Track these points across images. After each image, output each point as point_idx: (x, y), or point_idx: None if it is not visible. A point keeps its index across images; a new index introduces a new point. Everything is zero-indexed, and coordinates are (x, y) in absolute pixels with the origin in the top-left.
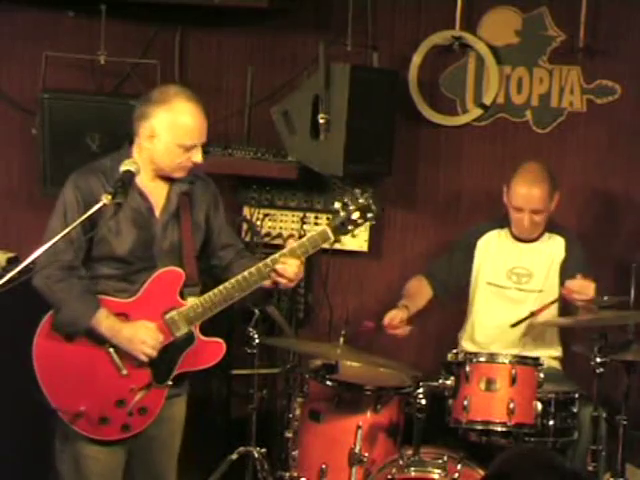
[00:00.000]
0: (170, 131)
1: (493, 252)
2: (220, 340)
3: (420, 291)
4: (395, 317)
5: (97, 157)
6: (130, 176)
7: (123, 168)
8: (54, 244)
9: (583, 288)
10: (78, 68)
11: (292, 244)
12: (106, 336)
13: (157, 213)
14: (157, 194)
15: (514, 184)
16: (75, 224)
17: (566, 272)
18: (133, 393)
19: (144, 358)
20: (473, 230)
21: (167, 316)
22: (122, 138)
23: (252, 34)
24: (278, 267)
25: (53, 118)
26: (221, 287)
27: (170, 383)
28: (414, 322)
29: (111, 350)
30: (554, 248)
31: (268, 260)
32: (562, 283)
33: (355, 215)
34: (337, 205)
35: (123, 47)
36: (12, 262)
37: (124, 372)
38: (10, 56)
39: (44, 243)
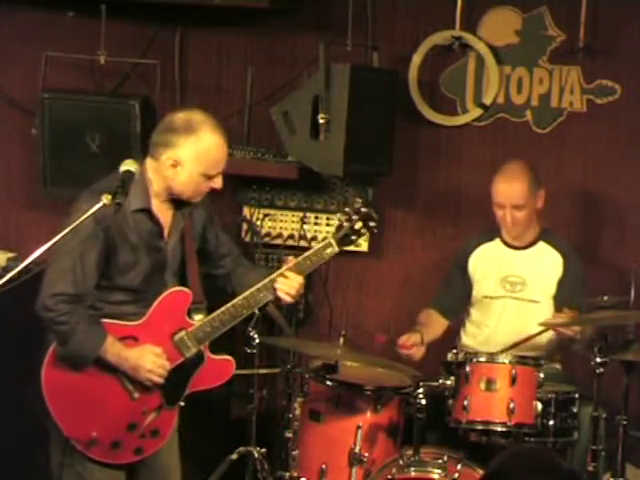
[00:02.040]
0: (196, 162)
1: (485, 265)
2: (229, 358)
3: (432, 322)
4: (409, 339)
5: (97, 157)
6: (130, 176)
7: (123, 168)
8: (63, 271)
9: (568, 328)
10: (78, 68)
11: (297, 259)
12: (113, 364)
13: (166, 237)
14: (165, 217)
15: (495, 182)
16: (75, 224)
17: (562, 293)
18: (145, 416)
19: (150, 384)
20: (462, 248)
21: (176, 337)
22: (122, 138)
23: (252, 34)
24: (278, 286)
25: (53, 118)
26: (229, 305)
27: (181, 404)
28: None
29: (122, 376)
30: (551, 263)
31: (274, 275)
32: (558, 301)
33: (358, 225)
34: (340, 217)
35: (123, 47)
36: (12, 262)
37: (135, 396)
38: (10, 56)
39: (54, 266)
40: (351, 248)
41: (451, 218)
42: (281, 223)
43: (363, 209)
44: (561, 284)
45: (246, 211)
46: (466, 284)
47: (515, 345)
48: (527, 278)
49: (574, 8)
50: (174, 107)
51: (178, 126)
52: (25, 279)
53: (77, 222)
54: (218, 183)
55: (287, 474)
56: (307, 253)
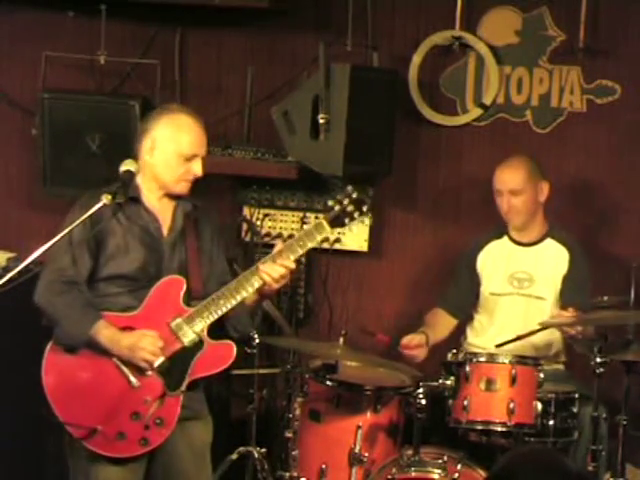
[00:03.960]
0: (171, 140)
1: (493, 262)
2: (229, 342)
3: (439, 322)
4: (412, 340)
5: (97, 157)
6: (130, 176)
7: (123, 168)
8: (56, 259)
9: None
10: (78, 68)
11: (287, 241)
12: (106, 347)
13: (165, 232)
14: (164, 214)
15: (495, 171)
16: (75, 224)
17: (567, 288)
18: (148, 405)
19: (146, 366)
20: (471, 247)
21: (173, 324)
22: (122, 138)
23: (252, 34)
24: (261, 267)
25: (53, 118)
26: (223, 288)
27: (183, 390)
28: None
29: (118, 362)
30: (557, 258)
31: (266, 258)
32: (562, 298)
33: (350, 208)
34: (331, 202)
35: (123, 47)
36: (12, 262)
37: (135, 383)
38: (10, 56)
39: (47, 260)
40: (351, 248)
41: (451, 218)
42: (281, 223)
43: (354, 194)
44: (566, 280)
45: (246, 211)
46: (474, 282)
47: (515, 340)
48: (534, 275)
49: (574, 8)
50: None
51: (155, 112)
52: (25, 279)
53: (78, 222)
54: (197, 168)
55: (287, 474)
56: (298, 235)
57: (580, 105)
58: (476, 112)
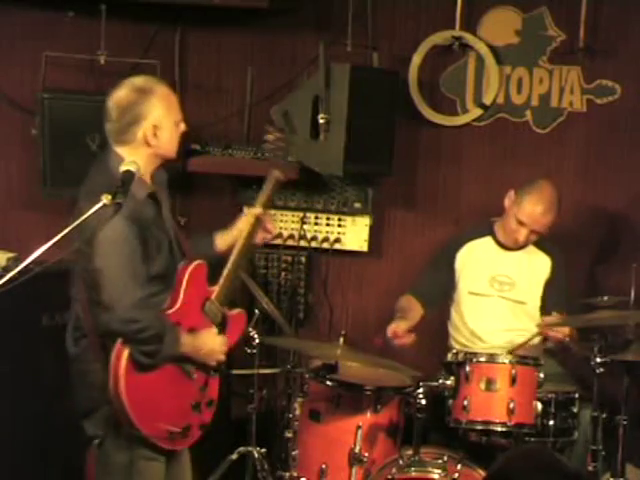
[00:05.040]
0: (168, 114)
1: (475, 262)
2: (241, 310)
3: (411, 307)
4: (398, 327)
5: (97, 157)
6: (130, 176)
7: (123, 168)
8: (129, 284)
9: (559, 329)
10: (78, 68)
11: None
12: (189, 355)
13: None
14: (160, 197)
15: (528, 200)
16: (73, 225)
17: (550, 295)
18: (202, 392)
19: (215, 364)
20: (452, 242)
21: (206, 308)
22: None
23: (252, 34)
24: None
25: (53, 118)
26: (230, 261)
27: (223, 369)
28: (416, 331)
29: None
30: (539, 264)
31: (249, 218)
32: (545, 303)
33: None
34: None
35: (123, 47)
36: (12, 262)
37: (194, 376)
38: (10, 56)
39: (111, 280)
40: (351, 248)
41: (451, 218)
42: (281, 223)
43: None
44: (548, 286)
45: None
46: (449, 276)
47: (518, 347)
48: (516, 279)
49: (574, 8)
50: None
51: (133, 100)
52: (25, 279)
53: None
54: (184, 126)
55: (287, 474)
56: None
57: (580, 105)
58: (476, 112)
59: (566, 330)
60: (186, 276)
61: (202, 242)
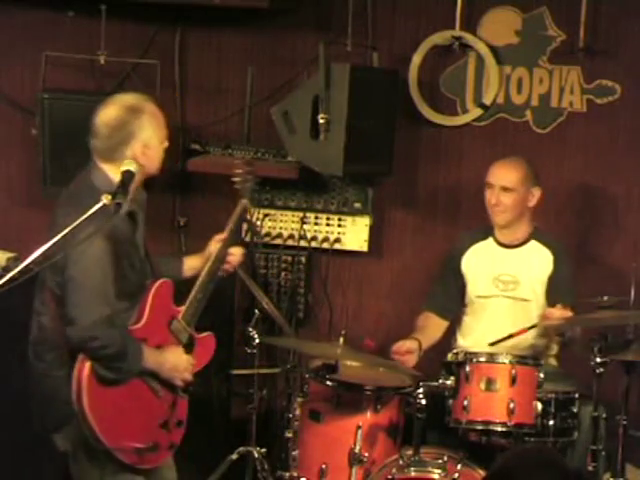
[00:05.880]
0: (155, 133)
1: (478, 265)
2: (209, 333)
3: (430, 325)
4: (402, 346)
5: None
6: (130, 176)
7: (123, 168)
8: (97, 286)
9: (561, 319)
10: (78, 68)
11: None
12: (153, 370)
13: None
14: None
15: (491, 165)
16: (73, 225)
17: (552, 290)
18: (170, 411)
19: (181, 384)
20: (454, 250)
21: (172, 327)
22: None
23: (252, 34)
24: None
25: (53, 118)
26: (197, 285)
27: (191, 390)
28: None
29: (147, 377)
30: (541, 260)
31: (219, 246)
32: (547, 299)
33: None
34: None
35: (123, 47)
36: (12, 262)
37: (161, 394)
38: (10, 56)
39: (79, 292)
40: (351, 248)
41: (451, 218)
42: (281, 223)
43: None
44: (551, 280)
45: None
46: (459, 283)
47: (507, 338)
48: (519, 277)
49: (574, 8)
50: (174, 107)
51: (123, 119)
52: (25, 279)
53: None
54: (167, 143)
55: (287, 474)
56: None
57: (580, 105)
58: (476, 112)
59: (557, 314)
60: (152, 292)
61: (171, 265)
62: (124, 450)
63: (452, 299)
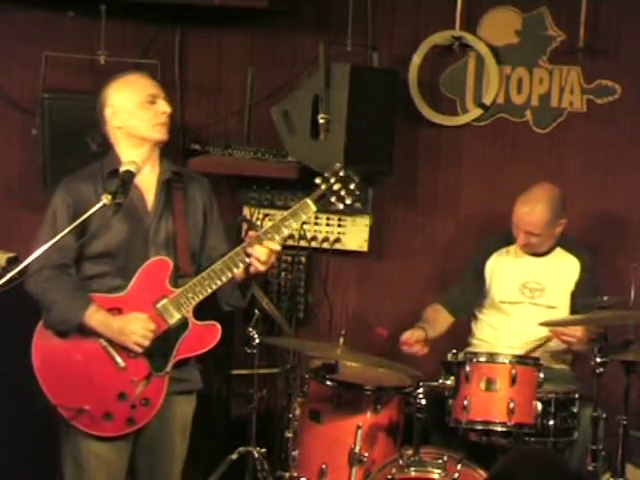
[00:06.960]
0: (126, 97)
1: (504, 270)
2: (215, 323)
3: (437, 318)
4: (412, 336)
5: (97, 157)
6: (130, 176)
7: (123, 168)
8: (41, 245)
9: (571, 330)
10: (78, 68)
11: (274, 222)
12: (98, 331)
13: (149, 205)
14: (147, 184)
15: (517, 201)
16: (73, 226)
17: (580, 295)
18: (134, 385)
19: (137, 349)
20: (479, 254)
21: (159, 305)
22: None
23: (252, 34)
24: (249, 250)
25: (53, 118)
26: (209, 270)
27: (168, 371)
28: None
29: (105, 343)
30: (568, 268)
31: (252, 238)
32: (573, 301)
33: (336, 186)
34: (317, 180)
35: (123, 47)
36: (12, 262)
37: (121, 364)
38: (10, 56)
39: (34, 250)
40: (351, 248)
41: (451, 218)
42: None
43: (341, 172)
44: (578, 286)
45: (246, 211)
46: (479, 286)
47: (537, 347)
48: (546, 284)
49: (574, 8)
50: (174, 107)
51: (101, 91)
52: (25, 279)
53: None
54: (163, 106)
55: (287, 474)
56: (283, 215)
57: (580, 105)
58: (476, 112)
59: (578, 333)
60: (142, 268)
61: (232, 294)
62: (69, 408)
63: (466, 299)
